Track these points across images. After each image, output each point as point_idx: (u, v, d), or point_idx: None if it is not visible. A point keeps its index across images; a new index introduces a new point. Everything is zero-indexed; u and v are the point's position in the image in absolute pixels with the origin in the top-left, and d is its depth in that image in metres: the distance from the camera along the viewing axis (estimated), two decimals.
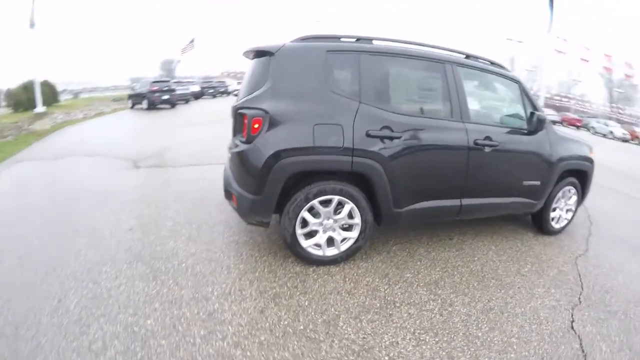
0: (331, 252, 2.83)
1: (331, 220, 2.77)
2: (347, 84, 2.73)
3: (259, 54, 2.79)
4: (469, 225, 3.93)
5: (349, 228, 2.87)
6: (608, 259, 3.57)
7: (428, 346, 2.15)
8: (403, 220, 2.94)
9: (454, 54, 3.24)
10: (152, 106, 16.21)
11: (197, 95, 22.21)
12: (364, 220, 2.80)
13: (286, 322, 2.26)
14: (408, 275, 2.84)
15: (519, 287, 2.85)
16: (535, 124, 3.29)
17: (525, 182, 3.39)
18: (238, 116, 2.75)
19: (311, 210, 2.72)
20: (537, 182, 3.44)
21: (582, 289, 2.94)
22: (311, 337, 2.14)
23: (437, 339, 2.22)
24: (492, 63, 3.43)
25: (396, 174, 2.75)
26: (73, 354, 1.98)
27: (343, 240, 2.84)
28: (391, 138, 2.72)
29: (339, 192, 2.68)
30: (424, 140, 2.85)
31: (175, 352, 2.02)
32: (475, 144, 3.02)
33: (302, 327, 2.22)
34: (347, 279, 2.73)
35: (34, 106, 15.55)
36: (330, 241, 2.82)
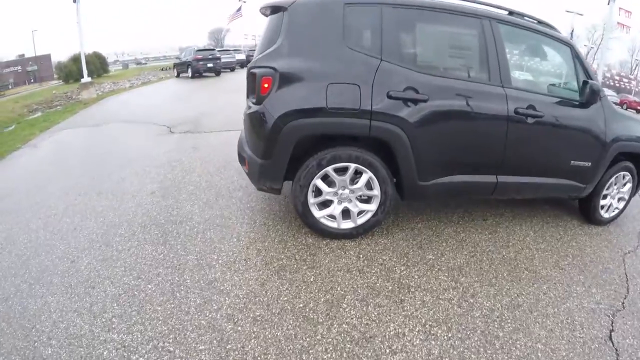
0: (346, 225, 2.59)
1: (347, 191, 2.49)
2: (366, 39, 2.42)
3: (273, 9, 2.51)
4: (506, 206, 3.47)
5: (367, 200, 2.59)
6: None
7: (438, 342, 1.87)
8: (429, 195, 2.61)
9: (495, 9, 2.76)
10: (197, 74, 16.46)
11: (243, 64, 22.27)
12: (383, 192, 2.50)
13: (286, 298, 2.09)
14: (430, 257, 2.53)
15: (554, 283, 2.44)
16: (588, 95, 2.76)
17: (574, 162, 2.92)
18: (250, 76, 2.51)
19: (326, 178, 2.47)
20: (587, 163, 2.95)
21: (628, 292, 2.50)
22: (309, 318, 1.95)
23: (449, 335, 1.92)
24: (540, 22, 2.91)
25: (422, 142, 2.40)
26: (74, 314, 1.99)
27: (360, 213, 2.58)
28: (416, 101, 2.36)
29: (356, 160, 2.39)
30: (456, 105, 2.46)
31: (168, 320, 1.94)
32: (517, 113, 2.56)
33: (301, 305, 2.04)
34: (361, 256, 2.48)
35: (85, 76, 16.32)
36: (346, 213, 2.57)
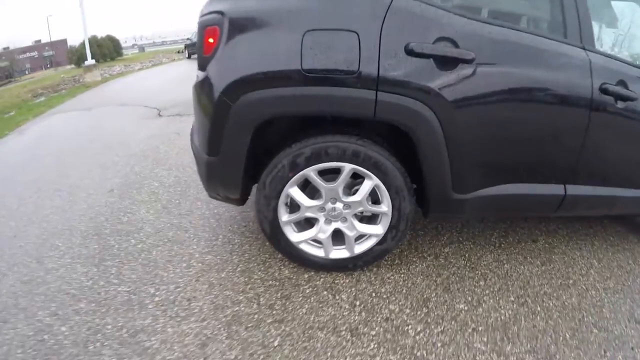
0: (339, 253, 1.79)
1: (340, 205, 1.67)
2: None
3: None
4: (556, 221, 2.59)
5: (371, 219, 1.78)
6: None
7: None
8: (466, 213, 1.76)
9: None
10: None
11: None
12: (396, 209, 1.65)
13: None
14: (461, 306, 1.71)
15: (633, 348, 1.58)
16: None
17: None
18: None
19: (307, 185, 1.66)
20: None
21: None
22: None
23: None
24: None
25: (463, 130, 1.52)
26: None
27: (360, 237, 1.76)
28: (456, 61, 1.46)
29: (353, 158, 1.54)
30: (519, 71, 1.53)
31: None
32: (603, 91, 1.63)
33: None
34: (357, 303, 1.68)
35: (97, 60, 16.15)
36: (339, 236, 1.75)
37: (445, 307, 1.68)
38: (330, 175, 1.62)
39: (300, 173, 1.57)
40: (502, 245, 2.21)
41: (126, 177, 3.23)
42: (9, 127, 6.36)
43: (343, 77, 1.39)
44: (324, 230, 1.71)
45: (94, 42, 16.68)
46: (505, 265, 2.02)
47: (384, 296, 1.72)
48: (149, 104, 6.40)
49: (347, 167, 1.56)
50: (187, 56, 18.36)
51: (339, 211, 1.67)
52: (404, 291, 1.75)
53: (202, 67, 1.54)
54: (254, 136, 1.49)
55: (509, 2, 1.78)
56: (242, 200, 1.74)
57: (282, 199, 1.63)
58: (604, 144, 1.78)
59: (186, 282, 1.84)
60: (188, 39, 19.94)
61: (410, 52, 1.40)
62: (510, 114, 1.55)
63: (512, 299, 1.77)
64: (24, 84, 20.26)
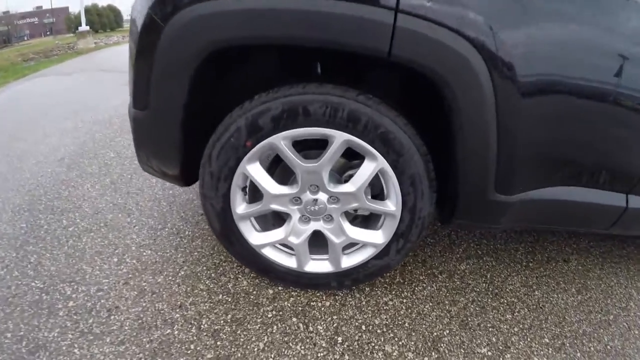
0: (318, 266, 1.29)
1: (323, 195, 1.16)
2: None
3: None
4: (586, 238, 2.15)
5: (369, 220, 1.27)
6: None
7: None
8: (506, 221, 1.25)
9: None
10: None
11: None
12: (409, 210, 1.14)
13: None
14: (484, 350, 1.25)
15: None
16: None
17: None
18: None
19: (277, 163, 1.16)
20: None
21: None
22: None
23: None
24: None
25: (529, 103, 0.98)
26: None
27: (350, 246, 1.25)
28: None
29: (348, 122, 1.01)
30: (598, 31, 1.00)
31: None
32: None
33: None
34: (339, 340, 1.21)
35: (96, 30, 15.63)
36: (321, 240, 1.24)
37: (463, 350, 1.19)
38: (312, 150, 1.11)
39: (265, 142, 1.05)
40: (530, 264, 1.75)
41: (83, 145, 2.82)
42: None
43: None
44: (297, 232, 1.20)
45: (94, 10, 16.15)
46: (536, 293, 1.57)
47: (378, 331, 1.23)
48: None
49: (339, 138, 1.03)
50: None
51: (321, 205, 1.16)
52: (406, 325, 1.27)
53: None
54: (196, 75, 0.97)
55: None
56: (183, 179, 1.23)
57: (237, 181, 1.12)
58: None
59: (112, 284, 1.37)
60: None
61: None
62: (585, 96, 1.04)
63: (547, 340, 1.34)
64: (19, 48, 19.73)
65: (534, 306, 1.49)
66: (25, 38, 44.07)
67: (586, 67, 1.00)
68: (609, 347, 1.38)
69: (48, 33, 47.76)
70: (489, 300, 1.45)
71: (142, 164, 1.24)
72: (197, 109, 1.06)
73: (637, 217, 1.43)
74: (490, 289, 1.52)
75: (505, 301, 1.47)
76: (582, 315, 1.50)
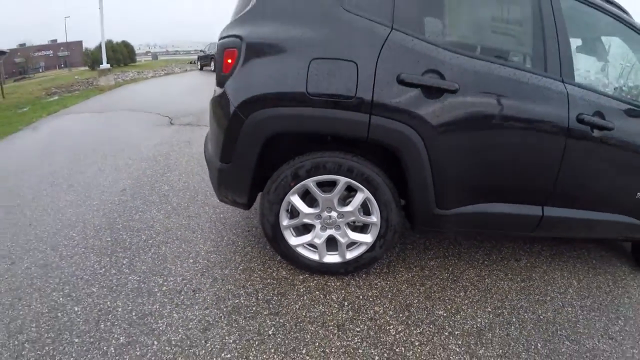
0: (332, 258, 2.02)
1: (334, 214, 1.91)
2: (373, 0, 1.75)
3: None
4: (543, 242, 2.81)
5: (362, 228, 2.01)
6: None
7: None
8: (448, 228, 1.99)
9: None
10: None
11: None
12: (384, 220, 1.88)
13: (228, 356, 1.55)
14: (441, 312, 1.91)
15: None
16: None
17: None
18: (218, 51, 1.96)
19: (306, 194, 1.91)
20: None
21: None
22: None
23: None
24: (620, 8, 2.25)
25: (446, 152, 1.76)
26: None
27: (351, 244, 2.00)
28: (442, 91, 1.71)
29: (347, 172, 1.78)
30: (498, 101, 1.78)
31: (79, 359, 1.45)
32: (580, 121, 1.87)
33: None
34: (345, 303, 1.90)
35: (111, 65, 16.73)
36: (332, 242, 1.98)
37: (426, 312, 1.89)
38: (327, 186, 1.87)
39: (301, 183, 1.82)
40: (486, 262, 2.42)
41: (138, 179, 3.47)
42: (23, 122, 6.71)
43: (342, 100, 1.66)
44: (319, 236, 1.95)
45: (109, 46, 17.26)
46: (486, 280, 2.23)
47: (371, 299, 1.93)
48: (161, 111, 6.71)
49: (342, 180, 1.81)
50: (199, 68, 18.91)
51: (333, 219, 1.92)
52: (389, 296, 1.97)
53: (220, 83, 1.82)
54: (262, 148, 1.75)
55: (494, 38, 2.04)
56: (248, 205, 1.98)
57: (284, 205, 1.88)
58: (581, 169, 2.01)
59: (192, 275, 2.06)
60: (201, 51, 20.53)
61: (401, 81, 1.67)
62: (490, 140, 1.80)
63: (490, 309, 1.98)
64: (38, 81, 20.95)
65: (483, 289, 2.15)
66: (40, 70, 46.16)
67: (481, 132, 1.76)
68: (541, 317, 1.99)
69: (62, 65, 49.93)
70: (449, 284, 2.14)
71: (221, 196, 1.99)
72: (259, 165, 1.82)
73: (554, 223, 2.11)
74: (451, 277, 2.20)
75: (461, 285, 2.15)
76: (522, 295, 2.14)
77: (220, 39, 1.86)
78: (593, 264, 2.64)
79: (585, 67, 2.40)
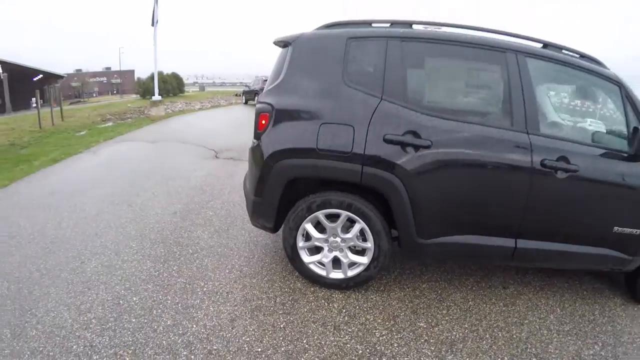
0: (336, 275, 2.66)
1: (338, 239, 2.57)
2: (368, 76, 2.47)
3: (282, 43, 2.70)
4: (536, 273, 3.22)
5: (361, 252, 2.64)
6: None
7: None
8: (429, 255, 2.58)
9: (526, 42, 2.66)
10: None
11: None
12: (377, 246, 2.51)
13: (248, 339, 2.21)
14: (422, 324, 2.47)
15: None
16: (638, 145, 2.45)
17: (617, 229, 2.59)
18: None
19: (318, 223, 2.59)
20: (636, 231, 2.59)
21: None
22: None
23: None
24: (583, 56, 2.73)
25: (422, 194, 2.37)
26: (65, 307, 2.45)
27: (352, 264, 2.64)
28: (417, 146, 2.35)
29: (347, 208, 2.46)
30: (465, 154, 2.37)
31: (136, 333, 2.23)
32: (543, 165, 2.38)
33: (259, 350, 2.14)
34: (343, 311, 2.52)
35: (161, 95, 18.54)
36: (337, 262, 2.64)
37: (409, 322, 2.46)
38: (333, 218, 2.55)
39: (313, 214, 2.53)
40: (474, 287, 2.92)
41: (187, 205, 4.32)
42: (83, 145, 8.00)
43: (341, 154, 2.38)
44: (326, 256, 2.63)
45: (160, 77, 19.27)
46: (470, 302, 2.72)
47: (364, 309, 2.54)
48: (207, 145, 7.74)
49: (344, 214, 2.50)
50: (244, 102, 20.53)
51: (337, 244, 2.59)
52: (380, 308, 2.57)
53: (256, 137, 2.60)
54: (285, 187, 2.49)
55: (466, 102, 2.69)
56: (275, 229, 2.71)
57: (300, 231, 2.59)
58: (549, 206, 2.49)
59: (227, 281, 2.78)
60: (246, 85, 22.20)
61: (386, 140, 2.36)
62: (458, 183, 2.40)
63: (466, 326, 2.48)
64: (93, 106, 23.55)
65: (465, 309, 2.64)
66: (94, 95, 51.30)
67: (451, 177, 2.38)
68: (514, 336, 2.43)
69: (115, 92, 55.16)
70: (435, 303, 2.68)
71: (254, 221, 2.73)
72: (283, 199, 2.54)
73: (528, 254, 2.59)
74: (438, 298, 2.75)
75: (445, 304, 2.68)
76: (501, 317, 2.59)
77: (258, 103, 2.65)
78: (583, 294, 3.01)
79: (554, 118, 2.96)
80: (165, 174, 5.60)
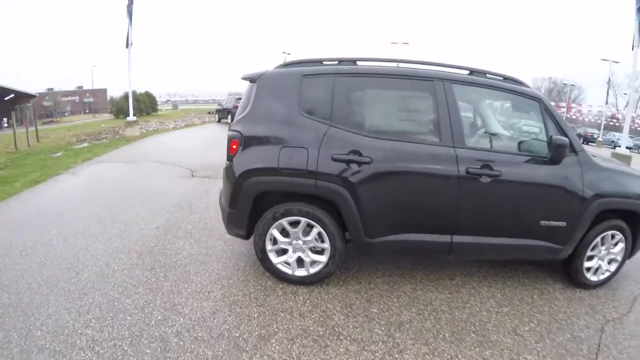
0: (300, 272, 3.16)
1: (300, 241, 3.09)
2: (319, 107, 3.02)
3: (249, 79, 3.28)
4: (481, 265, 3.77)
5: (320, 251, 3.15)
6: None
7: None
8: (377, 252, 3.11)
9: (455, 70, 3.25)
10: None
11: None
12: (332, 246, 3.04)
13: (227, 327, 2.68)
14: (374, 310, 2.98)
15: (502, 349, 2.64)
16: (554, 151, 2.97)
17: (544, 222, 3.11)
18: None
19: (283, 229, 3.10)
20: (562, 223, 3.11)
21: None
22: (239, 345, 2.51)
23: None
24: (506, 78, 3.29)
25: (366, 201, 2.91)
26: (65, 311, 2.82)
27: (313, 263, 3.14)
28: (359, 163, 2.91)
29: (306, 215, 2.98)
30: (400, 167, 2.95)
31: (131, 327, 2.66)
32: (468, 173, 2.95)
33: (237, 335, 2.61)
34: (307, 302, 3.01)
35: (134, 114, 18.73)
36: (301, 261, 3.15)
37: (363, 309, 2.98)
38: (295, 224, 3.08)
39: (278, 222, 3.05)
40: (423, 280, 3.46)
41: (168, 220, 4.75)
42: (61, 166, 8.25)
43: (298, 172, 2.93)
44: (291, 257, 3.15)
45: (133, 96, 19.53)
46: (418, 292, 3.26)
47: (325, 300, 3.06)
48: (183, 164, 8.15)
49: (303, 220, 3.03)
50: (217, 120, 21.10)
51: (300, 246, 3.12)
52: (339, 298, 3.08)
53: (229, 159, 3.12)
54: (254, 200, 3.01)
55: (400, 124, 3.29)
56: (247, 236, 3.22)
57: (268, 236, 3.10)
58: (477, 206, 3.06)
59: (208, 282, 3.25)
60: (219, 103, 22.66)
61: (334, 159, 2.93)
62: (398, 192, 2.97)
63: (414, 310, 3.01)
64: (67, 127, 23.51)
65: (414, 297, 3.17)
66: (67, 114, 50.82)
67: (389, 186, 2.96)
68: (456, 317, 2.95)
69: (87, 111, 54.76)
70: (387, 293, 3.21)
71: (229, 230, 3.23)
72: (253, 210, 3.05)
73: (464, 248, 3.14)
74: (390, 289, 3.27)
75: (396, 294, 3.20)
76: (445, 303, 3.11)
77: (230, 131, 3.18)
78: (524, 282, 3.52)
79: (480, 133, 3.58)
80: (145, 192, 5.98)
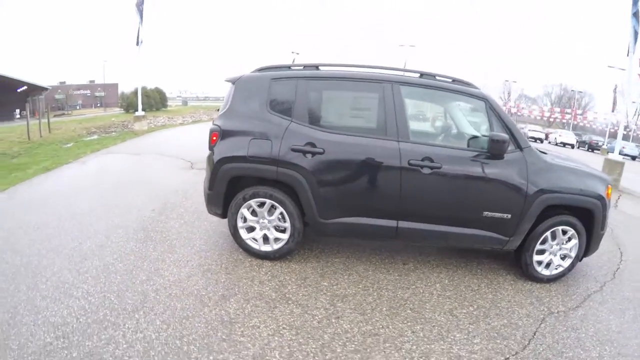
0: (265, 248, 3.80)
1: (266, 220, 3.74)
2: (283, 105, 3.63)
3: (230, 81, 3.93)
4: (437, 254, 4.25)
5: (283, 230, 3.77)
6: (601, 323, 3.20)
7: (282, 339, 2.72)
8: (330, 232, 3.71)
9: (407, 73, 3.80)
10: None
11: None
12: (292, 225, 3.68)
13: (197, 287, 3.34)
14: (325, 283, 3.57)
15: (433, 325, 2.97)
16: (492, 147, 3.32)
17: (487, 213, 3.47)
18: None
19: (253, 210, 3.72)
20: (506, 215, 3.47)
21: (524, 349, 2.76)
22: (203, 301, 3.16)
23: (293, 337, 2.74)
24: (455, 80, 3.73)
25: (319, 186, 3.49)
26: (67, 271, 3.51)
27: (276, 239, 3.77)
28: (313, 153, 3.51)
29: (270, 197, 3.61)
30: (348, 156, 3.51)
31: (120, 284, 3.34)
32: (410, 164, 3.43)
33: (203, 293, 3.27)
34: (268, 273, 3.64)
35: (144, 109, 19.53)
36: (267, 238, 3.77)
37: (315, 282, 3.59)
38: (262, 205, 3.73)
39: (247, 202, 3.70)
40: (377, 263, 4.03)
41: (164, 204, 5.45)
42: (72, 156, 9.12)
43: (263, 160, 3.57)
44: (258, 234, 3.80)
45: (143, 92, 20.33)
46: (369, 272, 3.85)
47: (285, 272, 3.69)
48: (185, 157, 8.93)
49: (268, 202, 3.68)
50: None
51: (266, 224, 3.76)
52: (297, 272, 3.72)
53: (210, 149, 3.81)
54: (228, 183, 3.67)
55: (352, 120, 3.91)
56: (223, 215, 3.86)
57: (239, 215, 3.76)
58: (419, 195, 3.57)
59: (189, 254, 3.92)
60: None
61: (292, 149, 3.55)
62: (347, 179, 3.58)
63: (360, 286, 3.60)
64: (78, 119, 24.60)
65: (364, 276, 3.76)
66: (78, 107, 52.33)
67: (339, 173, 3.59)
68: (398, 295, 3.51)
69: (98, 105, 56.20)
70: (340, 271, 3.82)
71: (209, 209, 3.90)
72: (227, 192, 3.71)
73: (408, 233, 3.70)
74: (344, 268, 3.88)
75: (348, 272, 3.81)
76: (392, 283, 3.68)
77: (212, 125, 3.84)
78: (477, 272, 3.89)
79: (427, 129, 4.13)
80: (146, 180, 6.74)
